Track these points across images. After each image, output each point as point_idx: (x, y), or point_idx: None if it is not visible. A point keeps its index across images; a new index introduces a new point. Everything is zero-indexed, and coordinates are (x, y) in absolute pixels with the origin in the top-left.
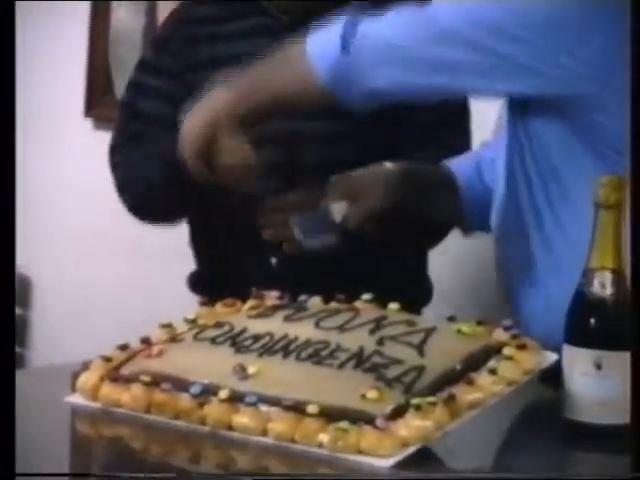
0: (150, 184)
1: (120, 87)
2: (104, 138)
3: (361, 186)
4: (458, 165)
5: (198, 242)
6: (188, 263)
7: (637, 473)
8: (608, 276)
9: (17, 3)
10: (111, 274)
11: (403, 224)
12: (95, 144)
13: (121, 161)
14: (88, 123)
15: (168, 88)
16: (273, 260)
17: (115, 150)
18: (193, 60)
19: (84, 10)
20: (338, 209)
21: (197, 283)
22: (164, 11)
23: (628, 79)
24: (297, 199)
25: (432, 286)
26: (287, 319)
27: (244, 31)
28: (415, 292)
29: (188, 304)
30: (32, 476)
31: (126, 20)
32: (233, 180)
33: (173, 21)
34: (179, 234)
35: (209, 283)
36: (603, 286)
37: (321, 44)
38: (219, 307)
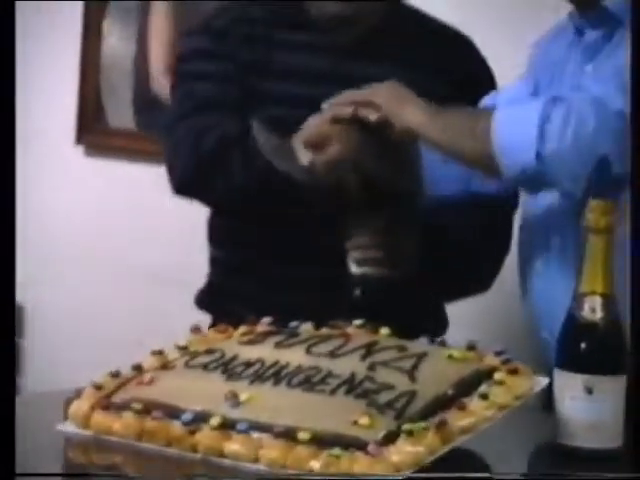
0: (201, 155)
1: (111, 114)
2: (95, 165)
3: (326, 136)
4: None
5: (231, 249)
6: (182, 288)
7: (637, 473)
8: (598, 300)
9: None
10: (103, 300)
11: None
12: (86, 171)
13: (172, 138)
14: (79, 150)
15: (226, 72)
16: (357, 292)
17: (167, 130)
18: (249, 60)
19: (76, 37)
20: (305, 154)
21: (205, 299)
22: (155, 39)
23: None
24: (380, 222)
25: (448, 321)
26: (278, 345)
27: (296, 43)
28: (432, 325)
29: (181, 330)
30: (32, 476)
31: (117, 47)
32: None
33: (229, 16)
34: (171, 260)
35: (221, 298)
36: (593, 310)
37: (513, 141)
38: (211, 333)
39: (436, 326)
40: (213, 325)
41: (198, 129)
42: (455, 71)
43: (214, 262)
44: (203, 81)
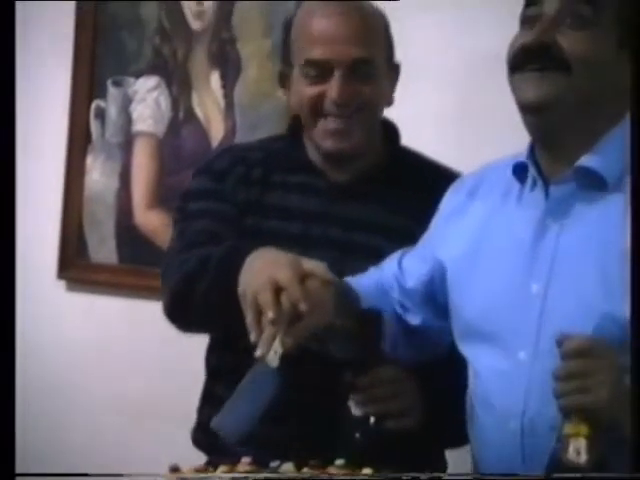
0: (186, 277)
1: (94, 248)
2: (77, 299)
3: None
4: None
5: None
6: (162, 422)
7: (637, 473)
8: (583, 442)
9: None
10: (77, 432)
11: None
12: (67, 306)
13: (166, 271)
14: (61, 284)
15: (224, 212)
16: (357, 435)
17: (164, 266)
18: (246, 201)
19: (59, 172)
20: (275, 351)
21: (201, 438)
22: (139, 176)
23: None
24: (392, 374)
25: (446, 464)
26: None
27: (293, 186)
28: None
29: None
30: (32, 476)
31: (100, 182)
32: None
33: (228, 158)
34: (151, 393)
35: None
36: (578, 453)
37: None
38: (189, 473)
39: (435, 469)
40: (208, 462)
41: (187, 257)
42: None
43: (209, 397)
44: (201, 218)
